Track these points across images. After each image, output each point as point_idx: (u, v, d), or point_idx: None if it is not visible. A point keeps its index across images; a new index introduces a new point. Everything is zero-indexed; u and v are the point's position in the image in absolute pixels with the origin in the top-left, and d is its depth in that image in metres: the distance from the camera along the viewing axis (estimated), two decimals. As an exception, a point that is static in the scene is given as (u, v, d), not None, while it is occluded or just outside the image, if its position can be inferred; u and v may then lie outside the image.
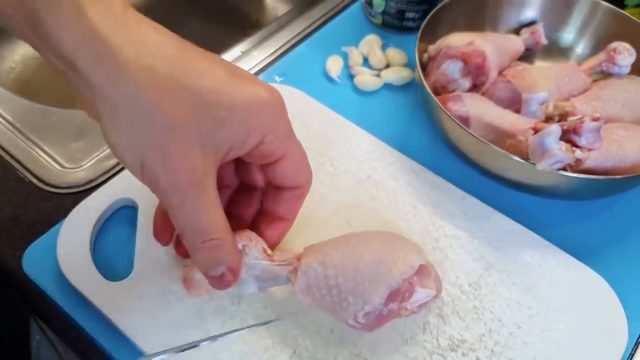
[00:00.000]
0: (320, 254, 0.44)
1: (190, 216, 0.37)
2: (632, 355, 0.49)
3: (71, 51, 0.33)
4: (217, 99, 0.35)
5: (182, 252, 0.47)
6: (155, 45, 0.35)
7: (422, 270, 0.44)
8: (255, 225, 0.46)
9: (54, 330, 0.49)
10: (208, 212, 0.37)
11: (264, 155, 0.40)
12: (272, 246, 0.45)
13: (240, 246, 0.43)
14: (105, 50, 0.33)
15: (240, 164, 0.45)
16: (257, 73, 0.67)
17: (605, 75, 0.64)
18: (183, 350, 0.42)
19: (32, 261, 0.50)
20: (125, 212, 0.52)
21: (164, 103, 0.34)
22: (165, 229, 0.45)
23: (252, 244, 0.43)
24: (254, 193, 0.46)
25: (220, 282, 0.40)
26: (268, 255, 0.44)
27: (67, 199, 0.55)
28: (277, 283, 0.45)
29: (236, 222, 0.45)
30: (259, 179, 0.46)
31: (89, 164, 0.58)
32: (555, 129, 0.50)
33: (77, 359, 0.48)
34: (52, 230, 0.51)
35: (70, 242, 0.49)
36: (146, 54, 0.34)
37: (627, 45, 0.62)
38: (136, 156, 0.35)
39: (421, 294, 0.43)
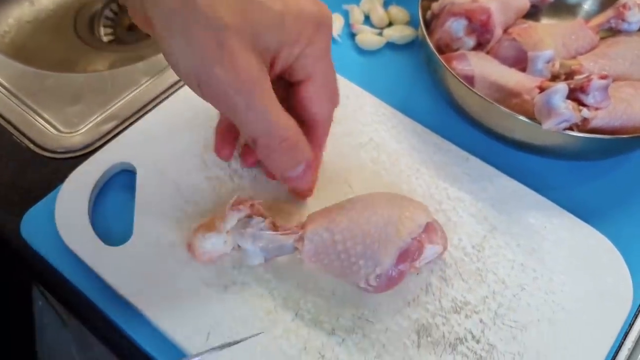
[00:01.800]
0: (326, 220, 0.43)
1: (262, 118, 0.37)
2: (636, 316, 0.48)
3: None
4: (269, 3, 0.35)
5: (251, 161, 0.47)
6: None
7: (429, 227, 0.44)
8: None
9: (54, 296, 0.49)
10: (277, 112, 0.37)
11: (297, 70, 0.39)
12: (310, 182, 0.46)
13: (243, 216, 0.42)
14: None
15: None
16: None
17: (614, 32, 0.62)
18: (223, 348, 0.41)
19: (30, 227, 0.49)
20: (124, 176, 0.52)
21: (218, 4, 0.34)
22: (227, 143, 0.44)
23: (256, 214, 0.43)
24: None
25: (302, 180, 0.41)
26: (273, 224, 0.43)
27: (64, 164, 0.54)
28: (283, 252, 0.44)
29: None
30: None
31: (85, 128, 0.57)
32: (561, 87, 0.49)
33: (79, 324, 0.48)
34: (50, 195, 0.51)
35: (69, 207, 0.48)
36: None
37: (637, 1, 0.60)
38: (193, 60, 0.35)
39: (430, 250, 0.43)
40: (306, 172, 0.41)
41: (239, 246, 0.45)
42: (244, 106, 0.36)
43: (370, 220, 0.42)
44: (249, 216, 0.44)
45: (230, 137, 0.45)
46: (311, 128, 0.43)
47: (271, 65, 0.38)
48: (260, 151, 0.39)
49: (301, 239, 0.43)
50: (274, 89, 0.38)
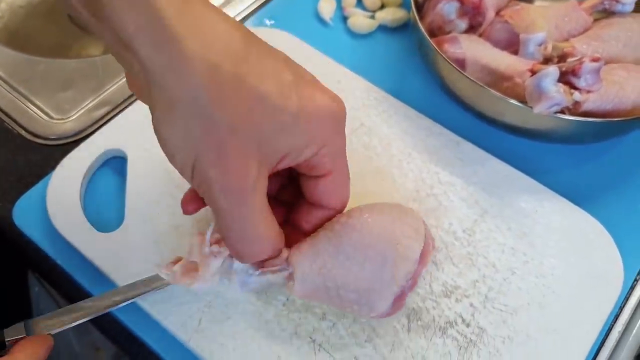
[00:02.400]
0: (315, 261, 0.40)
1: (244, 230, 0.36)
2: (626, 298, 0.49)
3: (131, 34, 0.30)
4: (282, 104, 0.33)
5: (193, 209, 0.41)
6: (221, 38, 0.32)
7: (423, 254, 0.41)
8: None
9: (47, 282, 0.50)
10: (262, 226, 0.36)
11: (312, 168, 0.37)
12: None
13: (224, 257, 0.40)
14: (168, 38, 0.30)
15: None
16: (247, 16, 0.65)
17: (608, 13, 0.61)
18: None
19: (22, 213, 0.49)
20: (115, 163, 0.52)
21: (225, 103, 0.32)
22: (194, 200, 0.40)
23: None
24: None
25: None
26: (257, 266, 0.41)
27: (56, 151, 0.54)
28: (273, 286, 0.42)
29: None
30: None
31: (77, 115, 0.57)
32: (553, 70, 0.48)
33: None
34: (42, 182, 0.51)
35: (60, 193, 0.49)
36: (211, 48, 0.31)
37: (631, -18, 0.59)
38: (189, 154, 0.33)
39: (421, 270, 0.42)
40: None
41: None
42: (226, 207, 0.34)
43: (364, 267, 0.40)
44: (231, 256, 0.40)
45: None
46: (322, 211, 0.41)
47: (277, 163, 0.35)
48: (228, 246, 0.38)
49: (291, 277, 0.40)
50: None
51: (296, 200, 0.42)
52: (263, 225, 0.36)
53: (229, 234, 0.36)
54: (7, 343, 0.37)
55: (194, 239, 0.40)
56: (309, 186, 0.39)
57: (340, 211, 0.41)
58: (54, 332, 0.39)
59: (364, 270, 0.40)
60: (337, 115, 0.36)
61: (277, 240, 0.38)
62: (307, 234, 0.41)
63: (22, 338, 0.38)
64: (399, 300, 0.41)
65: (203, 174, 0.33)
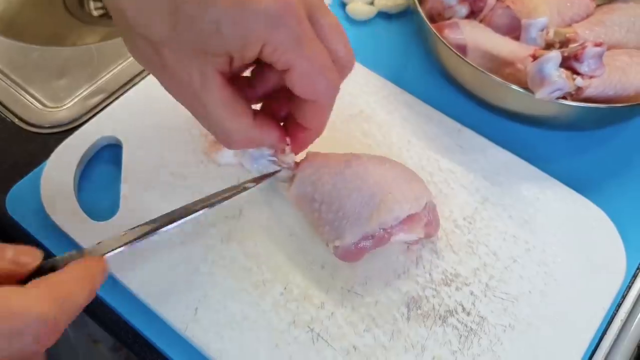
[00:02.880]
0: (316, 173, 0.44)
1: (204, 119, 0.39)
2: (629, 287, 0.48)
3: None
4: (199, 14, 0.34)
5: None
6: None
7: (412, 219, 0.43)
8: (285, 128, 0.44)
9: (42, 272, 0.49)
10: (218, 115, 0.38)
11: (273, 64, 0.37)
12: (296, 152, 0.44)
13: None
14: None
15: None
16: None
17: (611, -1, 0.60)
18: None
19: (16, 203, 0.48)
20: (110, 151, 0.51)
21: (149, 20, 0.34)
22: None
23: None
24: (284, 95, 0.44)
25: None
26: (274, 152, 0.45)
27: (50, 139, 0.53)
28: (277, 179, 0.47)
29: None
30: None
31: (72, 103, 0.56)
32: (555, 55, 0.47)
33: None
34: (36, 171, 0.50)
35: (55, 182, 0.48)
36: None
37: (634, -33, 0.59)
38: (147, 69, 0.38)
39: (402, 237, 0.43)
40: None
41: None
42: (195, 111, 0.38)
43: (351, 195, 0.42)
44: None
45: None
46: (302, 102, 0.41)
47: (228, 65, 0.37)
48: (213, 135, 0.40)
49: (293, 180, 0.45)
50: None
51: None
52: (228, 119, 0.38)
53: (205, 126, 0.39)
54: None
55: None
56: (286, 81, 0.39)
57: (323, 102, 0.40)
58: (109, 254, 0.38)
59: (350, 199, 0.43)
60: (269, 11, 0.35)
61: (248, 131, 0.39)
62: (306, 129, 0.42)
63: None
64: (361, 248, 0.42)
65: (162, 84, 0.38)
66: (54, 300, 0.29)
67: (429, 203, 0.44)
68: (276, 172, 0.46)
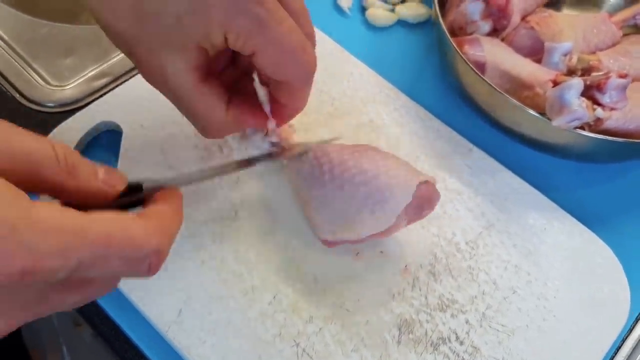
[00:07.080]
0: (318, 160, 0.43)
1: (182, 109, 0.40)
2: (630, 331, 0.46)
3: None
4: (160, 7, 0.35)
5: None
6: None
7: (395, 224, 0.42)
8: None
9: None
10: (193, 103, 0.39)
11: (239, 50, 0.37)
12: (279, 125, 0.44)
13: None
14: None
15: None
16: None
17: (639, 29, 0.59)
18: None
19: (7, 181, 0.47)
20: (109, 136, 0.49)
21: (115, 18, 0.36)
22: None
23: None
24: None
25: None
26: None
27: (50, 118, 0.52)
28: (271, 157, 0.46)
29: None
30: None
31: (76, 83, 0.55)
32: (577, 82, 0.46)
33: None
34: (31, 150, 0.48)
35: (48, 164, 0.46)
36: None
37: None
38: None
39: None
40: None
41: None
42: (173, 101, 0.39)
43: (344, 199, 0.42)
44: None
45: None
46: (286, 87, 0.41)
47: (199, 56, 0.37)
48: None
49: (291, 156, 0.45)
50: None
51: None
52: (200, 112, 0.39)
53: (184, 115, 0.40)
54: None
55: None
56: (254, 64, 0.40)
57: (296, 84, 0.40)
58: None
59: (344, 203, 0.42)
60: (223, 2, 0.35)
61: (221, 122, 0.40)
62: (284, 105, 0.42)
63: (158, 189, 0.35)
64: (345, 242, 0.43)
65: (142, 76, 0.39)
66: (164, 232, 0.31)
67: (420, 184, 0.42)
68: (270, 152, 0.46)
